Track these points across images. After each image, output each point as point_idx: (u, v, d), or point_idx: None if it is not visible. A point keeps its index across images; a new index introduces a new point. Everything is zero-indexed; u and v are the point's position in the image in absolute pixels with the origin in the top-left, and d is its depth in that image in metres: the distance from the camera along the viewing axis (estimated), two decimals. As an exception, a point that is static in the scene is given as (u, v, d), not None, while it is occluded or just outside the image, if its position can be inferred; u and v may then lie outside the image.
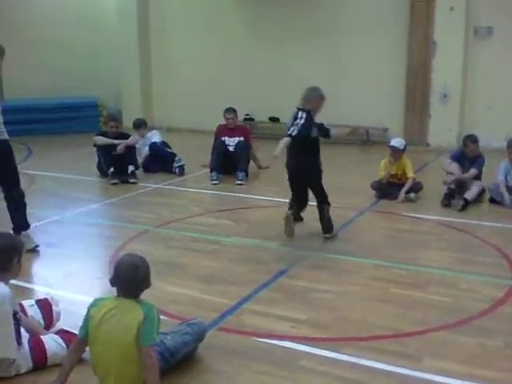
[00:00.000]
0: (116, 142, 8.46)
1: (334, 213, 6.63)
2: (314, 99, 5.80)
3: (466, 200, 6.92)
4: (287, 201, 7.13)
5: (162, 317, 3.71)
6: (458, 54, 10.81)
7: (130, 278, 3.09)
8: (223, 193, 7.87)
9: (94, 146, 8.64)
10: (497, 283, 4.71)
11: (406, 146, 7.52)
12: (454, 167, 7.28)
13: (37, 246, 5.48)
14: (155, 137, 9.26)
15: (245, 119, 12.56)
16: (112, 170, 8.30)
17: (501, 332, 3.86)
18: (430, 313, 4.18)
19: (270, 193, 7.74)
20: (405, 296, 4.47)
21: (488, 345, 3.70)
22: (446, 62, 10.83)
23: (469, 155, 7.31)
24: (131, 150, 8.57)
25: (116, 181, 8.22)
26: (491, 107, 10.78)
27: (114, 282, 3.14)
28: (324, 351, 3.62)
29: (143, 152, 9.07)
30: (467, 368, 3.43)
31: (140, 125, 9.30)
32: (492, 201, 7.16)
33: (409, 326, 3.97)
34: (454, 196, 7.07)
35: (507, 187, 7.02)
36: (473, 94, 10.96)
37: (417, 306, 4.29)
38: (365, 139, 11.76)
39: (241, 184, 8.21)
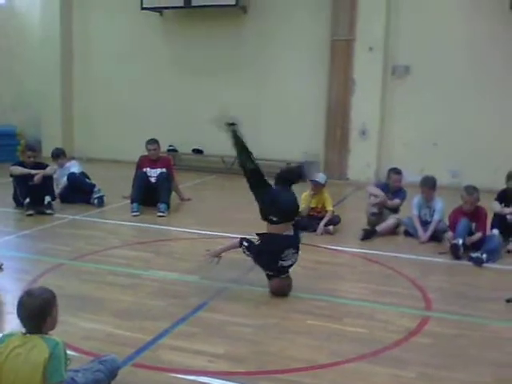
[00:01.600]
0: (33, 172, 8.20)
1: (254, 245, 6.67)
2: None
3: (374, 231, 7.22)
4: (207, 233, 7.14)
5: (74, 353, 3.62)
6: (376, 91, 11.24)
7: (26, 309, 3.01)
8: (144, 224, 7.76)
9: (11, 176, 8.33)
10: (411, 314, 4.83)
11: (326, 181, 7.69)
12: (379, 190, 7.54)
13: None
14: (74, 167, 9.05)
15: (168, 150, 12.53)
16: (28, 200, 8.03)
17: (414, 362, 3.95)
18: (346, 344, 4.23)
19: (191, 225, 7.69)
20: (322, 328, 4.51)
21: (401, 375, 3.77)
22: (365, 99, 11.24)
23: (392, 188, 7.59)
24: (48, 180, 8.32)
25: (31, 212, 7.95)
26: (407, 144, 11.24)
27: (18, 316, 3.03)
28: (242, 385, 3.59)
29: (61, 182, 8.85)
30: (381, 399, 3.49)
31: (58, 154, 9.08)
32: (406, 233, 7.40)
33: (324, 357, 4.00)
34: (373, 230, 7.30)
35: (420, 221, 7.27)
36: (390, 130, 11.40)
37: (333, 338, 4.33)
38: (287, 172, 11.91)
39: (162, 216, 8.12)
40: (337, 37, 11.37)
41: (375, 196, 7.55)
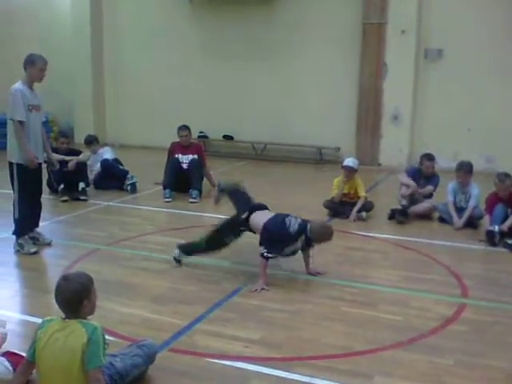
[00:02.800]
0: (67, 158, 8.30)
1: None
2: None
3: (405, 213, 7.22)
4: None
5: (111, 338, 3.66)
6: (408, 75, 11.08)
7: (62, 293, 3.04)
8: (176, 211, 7.80)
9: (45, 162, 8.43)
10: (447, 301, 4.78)
11: (358, 166, 7.63)
12: (410, 180, 7.43)
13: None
14: (107, 153, 9.14)
15: (199, 137, 12.55)
16: (62, 186, 8.14)
17: (451, 350, 3.92)
18: (381, 331, 4.21)
19: (223, 211, 7.68)
20: (356, 314, 4.50)
21: (438, 363, 3.74)
22: (397, 83, 11.09)
23: (424, 173, 7.48)
24: (82, 166, 8.43)
25: (66, 198, 8.06)
26: (440, 128, 11.07)
27: (56, 302, 3.08)
28: (276, 371, 3.60)
29: (94, 169, 8.94)
30: (418, 386, 3.47)
31: (92, 141, 9.17)
32: (441, 220, 7.32)
33: (360, 344, 3.99)
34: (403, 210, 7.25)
35: (456, 207, 7.18)
36: (423, 115, 11.24)
37: (368, 325, 4.31)
38: (318, 158, 11.89)
39: (194, 202, 8.16)
40: (368, 20, 11.22)
41: (407, 186, 7.43)
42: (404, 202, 7.37)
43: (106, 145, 10.25)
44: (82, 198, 8.14)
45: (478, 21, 10.60)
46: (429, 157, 7.59)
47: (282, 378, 3.53)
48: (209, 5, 12.70)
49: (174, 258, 5.50)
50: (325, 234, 5.05)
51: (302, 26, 11.91)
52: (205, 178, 8.94)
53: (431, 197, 7.52)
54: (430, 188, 7.46)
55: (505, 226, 6.40)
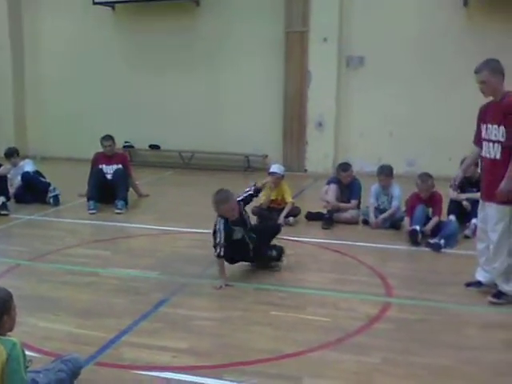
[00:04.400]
0: (-15, 172, 7.98)
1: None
2: (222, 205, 5.35)
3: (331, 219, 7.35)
4: (166, 228, 7.11)
5: (35, 354, 3.56)
6: (331, 83, 11.30)
7: None
8: (101, 222, 7.63)
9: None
10: (372, 301, 4.87)
11: (284, 172, 7.70)
12: (330, 195, 7.53)
13: None
14: (28, 166, 8.85)
15: (124, 146, 12.37)
16: (-19, 201, 7.81)
17: (378, 348, 3.99)
18: (309, 333, 4.24)
19: (149, 221, 7.62)
20: (285, 318, 4.52)
21: (366, 362, 3.80)
22: (321, 90, 11.29)
23: (344, 182, 7.62)
24: (2, 180, 8.09)
25: (-15, 213, 7.74)
26: (363, 134, 11.35)
27: None
28: (207, 379, 3.56)
29: (15, 182, 8.65)
30: (346, 385, 3.51)
31: (12, 154, 8.87)
32: (365, 222, 7.48)
33: (289, 347, 4.00)
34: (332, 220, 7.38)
35: (378, 209, 7.36)
36: (346, 121, 11.49)
37: (296, 328, 4.34)
38: (245, 166, 11.94)
39: (120, 213, 8.01)
40: (291, 28, 11.39)
41: (326, 202, 7.57)
42: (327, 215, 7.46)
43: (26, 157, 9.92)
44: (2, 212, 7.82)
45: (398, 28, 10.93)
46: (344, 168, 7.68)
47: (213, 385, 3.50)
48: (132, 13, 12.57)
49: None
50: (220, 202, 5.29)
51: (225, 33, 11.95)
52: (131, 189, 8.80)
53: (358, 207, 7.66)
54: (353, 203, 7.58)
55: (428, 229, 6.60)
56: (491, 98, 4.85)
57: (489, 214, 4.80)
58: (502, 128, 4.62)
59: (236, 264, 5.52)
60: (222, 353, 3.92)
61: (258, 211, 7.53)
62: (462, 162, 7.07)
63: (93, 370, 3.63)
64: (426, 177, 6.81)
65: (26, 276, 5.50)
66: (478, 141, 4.96)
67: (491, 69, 4.70)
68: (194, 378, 3.58)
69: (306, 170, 11.62)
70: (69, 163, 12.54)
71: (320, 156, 11.45)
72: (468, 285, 5.14)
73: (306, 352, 3.94)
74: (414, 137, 11.06)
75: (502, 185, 4.57)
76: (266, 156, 11.89)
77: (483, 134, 4.84)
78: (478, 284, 5.08)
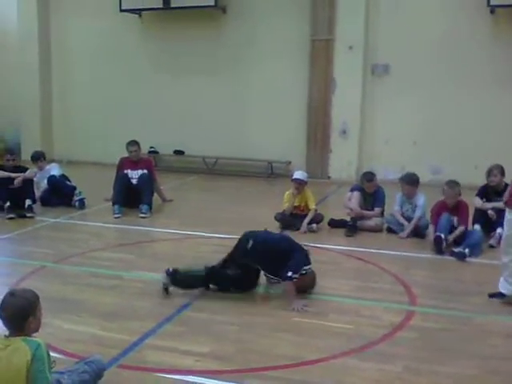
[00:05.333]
0: (13, 175, 8.11)
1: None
2: None
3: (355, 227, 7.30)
4: (190, 233, 7.15)
5: (59, 356, 3.60)
6: (356, 90, 11.28)
7: (8, 309, 2.98)
8: (126, 226, 7.70)
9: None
10: (395, 309, 4.85)
11: (307, 179, 7.71)
12: (353, 203, 7.50)
13: None
14: (54, 170, 8.98)
15: (149, 152, 12.47)
16: (8, 204, 7.92)
17: (400, 357, 3.97)
18: (332, 340, 4.23)
19: (173, 226, 7.67)
20: (307, 324, 4.52)
21: (388, 370, 3.78)
22: (345, 98, 11.28)
23: (368, 191, 7.59)
24: (29, 183, 8.24)
25: (12, 215, 7.85)
26: (387, 142, 11.30)
27: (0, 318, 3.02)
28: (229, 383, 3.57)
29: (41, 185, 8.77)
30: (368, 393, 3.49)
31: (38, 157, 9.00)
32: (389, 230, 7.44)
33: (311, 354, 4.00)
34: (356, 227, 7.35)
35: (403, 217, 7.31)
36: (370, 129, 11.45)
37: (319, 334, 4.33)
38: (269, 172, 11.96)
39: (144, 217, 8.07)
40: (316, 36, 11.39)
41: (350, 209, 7.54)
42: (350, 223, 7.44)
43: (53, 161, 10.05)
44: (28, 215, 7.95)
45: (423, 37, 10.88)
46: (368, 178, 7.63)
47: (234, 390, 3.51)
48: (158, 21, 12.69)
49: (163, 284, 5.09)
50: None
51: (251, 40, 12.01)
52: (155, 194, 8.87)
53: (382, 214, 7.62)
54: (376, 211, 7.55)
55: (452, 237, 6.54)
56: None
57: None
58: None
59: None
60: (244, 358, 3.93)
61: (281, 217, 7.55)
62: (487, 172, 7.06)
63: (116, 373, 3.67)
64: (453, 183, 6.77)
65: (51, 278, 5.56)
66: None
67: None
68: (217, 382, 3.60)
69: (329, 177, 11.60)
70: (94, 167, 12.68)
71: (344, 163, 11.42)
72: (491, 296, 5.08)
73: (328, 359, 3.93)
74: (438, 145, 10.98)
75: None
76: (290, 162, 11.89)
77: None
78: (501, 295, 5.02)
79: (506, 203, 4.88)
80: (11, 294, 3.05)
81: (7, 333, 3.03)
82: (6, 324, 3.02)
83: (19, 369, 2.86)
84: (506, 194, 4.93)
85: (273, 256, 5.02)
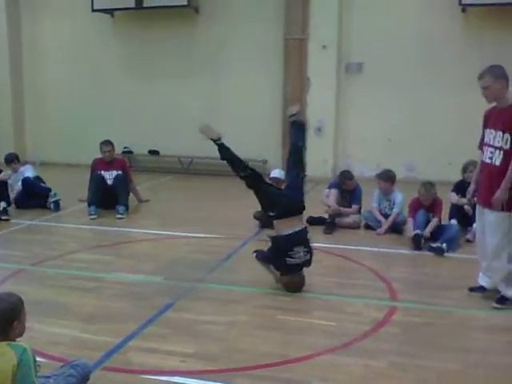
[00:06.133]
0: (-14, 177, 7.97)
1: (218, 243, 6.69)
2: None
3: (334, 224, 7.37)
4: (168, 233, 7.08)
5: (42, 359, 3.54)
6: (330, 89, 11.34)
7: None
8: (102, 227, 7.62)
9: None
10: (377, 305, 4.88)
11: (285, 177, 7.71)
12: (331, 200, 7.55)
13: None
14: (28, 171, 8.85)
15: (123, 152, 12.36)
16: (-18, 207, 7.79)
17: (384, 352, 3.99)
18: (316, 337, 4.24)
19: (151, 226, 7.62)
20: (291, 322, 4.52)
21: (373, 366, 3.80)
22: (320, 97, 11.32)
23: (346, 188, 7.64)
24: (3, 185, 8.08)
25: (-14, 218, 7.72)
26: (363, 139, 11.39)
27: None
28: (215, 384, 3.56)
29: (16, 187, 8.64)
30: (355, 389, 3.51)
31: (12, 159, 8.87)
32: (367, 227, 7.49)
33: (297, 351, 4.00)
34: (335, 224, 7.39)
35: (381, 214, 7.37)
36: (345, 127, 11.52)
37: (303, 332, 4.34)
38: (245, 171, 11.92)
39: (121, 218, 8.00)
40: (290, 35, 11.42)
41: (328, 206, 7.59)
42: (328, 220, 7.49)
43: (26, 163, 9.90)
44: (3, 217, 7.81)
45: (396, 35, 10.99)
46: (349, 176, 7.72)
47: (221, 390, 3.50)
48: (130, 20, 12.59)
49: None
50: None
51: (224, 40, 11.99)
52: (131, 194, 8.80)
53: (359, 212, 7.67)
54: (354, 208, 7.62)
55: (427, 232, 6.62)
56: (494, 104, 4.83)
57: (486, 220, 4.80)
58: (506, 135, 4.60)
59: (241, 268, 5.52)
60: (230, 357, 3.91)
61: (259, 216, 7.53)
62: (463, 168, 7.15)
63: (101, 375, 3.62)
64: (429, 186, 6.82)
65: (30, 281, 5.47)
66: (482, 146, 4.95)
67: (494, 74, 4.69)
68: (203, 382, 3.57)
69: (305, 175, 11.59)
70: (67, 168, 12.52)
71: (319, 161, 11.44)
72: (471, 290, 5.14)
73: (313, 356, 3.94)
74: (412, 142, 11.10)
75: (497, 194, 4.57)
76: (266, 161, 11.90)
77: (485, 139, 4.84)
78: (482, 289, 5.08)
79: (480, 202, 4.92)
80: None
81: (-10, 338, 2.97)
82: None
83: (5, 374, 2.81)
84: (472, 192, 5.06)
85: None
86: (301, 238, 5.08)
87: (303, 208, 5.31)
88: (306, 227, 5.23)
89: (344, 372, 3.72)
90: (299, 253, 4.99)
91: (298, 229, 5.07)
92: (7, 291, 3.14)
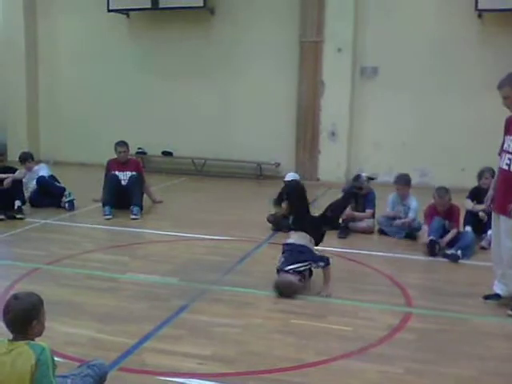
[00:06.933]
0: (2, 176, 8.01)
1: (232, 245, 6.70)
2: None
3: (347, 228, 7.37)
4: (182, 235, 7.10)
5: (59, 359, 3.53)
6: (345, 92, 11.32)
7: (12, 313, 2.94)
8: (117, 228, 7.65)
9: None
10: (393, 310, 4.88)
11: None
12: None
13: None
14: (43, 170, 8.91)
15: (137, 153, 12.40)
16: (-3, 205, 7.84)
17: (400, 358, 3.98)
18: (331, 342, 4.24)
19: (165, 227, 7.64)
20: (306, 326, 4.52)
21: (389, 371, 3.80)
22: (334, 100, 11.31)
23: (360, 192, 7.62)
24: (18, 184, 8.13)
25: (2, 217, 7.76)
26: (376, 144, 11.37)
27: (3, 321, 2.98)
28: (233, 386, 3.57)
29: (30, 186, 8.68)
30: (371, 395, 3.51)
31: (26, 158, 8.90)
32: (381, 232, 7.47)
33: (311, 356, 4.00)
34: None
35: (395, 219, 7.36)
36: (359, 131, 11.50)
37: (318, 336, 4.34)
38: (258, 174, 11.96)
39: (136, 218, 8.03)
40: (305, 38, 11.42)
41: None
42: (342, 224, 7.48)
43: (40, 162, 9.96)
44: (18, 216, 7.85)
45: (411, 39, 10.98)
46: (361, 182, 7.61)
47: (238, 392, 3.51)
48: (146, 20, 12.64)
49: None
50: None
51: (239, 42, 12.00)
52: (145, 195, 8.83)
53: (373, 216, 7.66)
54: (368, 213, 7.60)
55: (444, 241, 6.59)
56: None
57: (502, 227, 4.78)
58: (524, 142, 4.59)
59: (255, 271, 5.54)
60: (246, 360, 3.92)
61: (273, 219, 7.55)
62: (478, 174, 7.13)
63: (117, 376, 3.63)
64: (443, 192, 6.77)
65: (45, 280, 5.50)
66: (502, 152, 4.92)
67: None
68: (220, 384, 3.59)
69: (318, 179, 11.61)
70: (81, 168, 12.59)
71: (333, 165, 11.45)
72: (486, 297, 5.12)
73: (328, 361, 3.94)
74: (426, 147, 11.07)
75: None
76: (279, 164, 11.91)
77: (505, 146, 4.82)
78: (497, 296, 5.06)
79: (496, 209, 4.90)
80: (15, 298, 3.02)
81: (11, 337, 3.00)
82: (10, 328, 2.98)
83: (23, 373, 2.82)
84: (490, 199, 5.00)
85: None
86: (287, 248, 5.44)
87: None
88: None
89: (359, 377, 3.72)
90: (282, 258, 5.36)
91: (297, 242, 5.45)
92: (27, 291, 3.16)
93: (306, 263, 5.23)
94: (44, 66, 13.61)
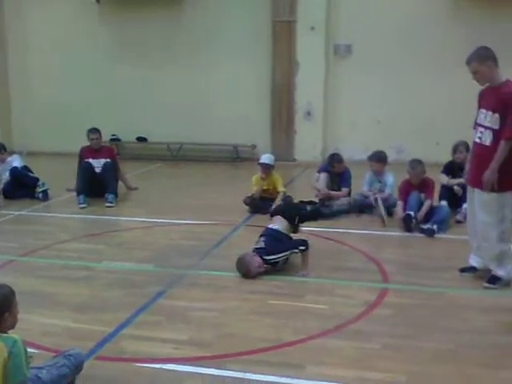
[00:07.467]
0: (-26, 168, 7.90)
1: (208, 229, 6.67)
2: None
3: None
4: (158, 221, 7.04)
5: (34, 350, 3.51)
6: (319, 72, 11.28)
7: None
8: (92, 216, 7.58)
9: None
10: (369, 287, 4.89)
11: (274, 162, 7.70)
12: (321, 184, 7.56)
13: None
14: (16, 161, 8.77)
15: (111, 140, 12.26)
16: (-31, 198, 7.72)
17: (377, 334, 4.00)
18: (309, 321, 4.24)
19: (140, 214, 7.58)
20: (284, 306, 4.52)
21: (366, 347, 3.81)
22: (309, 80, 11.26)
23: (336, 171, 7.63)
24: (-10, 176, 8.03)
25: (-26, 209, 7.66)
26: (352, 122, 11.37)
27: None
28: (209, 369, 3.54)
29: (3, 178, 8.56)
30: (348, 371, 3.50)
31: (-1, 149, 8.77)
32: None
33: (290, 335, 4.00)
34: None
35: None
36: (334, 110, 11.48)
37: (296, 316, 4.34)
38: (234, 156, 11.91)
39: (111, 206, 7.94)
40: (278, 18, 11.33)
41: (318, 190, 7.59)
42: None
43: (13, 153, 9.81)
44: (-9, 208, 7.76)
45: (385, 16, 10.94)
46: (338, 159, 7.72)
47: (215, 375, 3.48)
48: (116, 5, 12.41)
49: None
50: None
51: (212, 25, 11.86)
52: (119, 182, 8.73)
53: (349, 194, 7.67)
54: (345, 190, 7.61)
55: (420, 215, 6.61)
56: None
57: (476, 200, 4.81)
58: (496, 115, 4.59)
59: (232, 254, 5.51)
60: (223, 343, 3.91)
61: (250, 201, 7.52)
62: (453, 149, 7.16)
63: (94, 365, 3.60)
64: (416, 164, 6.82)
65: (20, 272, 5.43)
66: (475, 125, 4.92)
67: (480, 58, 4.65)
68: (197, 368, 3.57)
69: (295, 159, 11.60)
70: (55, 158, 12.41)
71: (309, 145, 11.44)
72: (462, 270, 5.15)
73: (307, 340, 3.94)
74: (401, 124, 11.10)
75: (486, 175, 4.57)
76: (255, 146, 11.87)
77: (478, 119, 4.82)
78: (473, 269, 5.10)
79: (471, 182, 4.92)
80: None
81: (-18, 330, 2.94)
82: None
83: (-5, 366, 2.78)
84: (469, 172, 5.01)
85: None
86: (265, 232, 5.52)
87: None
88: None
89: (338, 355, 3.73)
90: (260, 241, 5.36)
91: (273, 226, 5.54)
92: (-1, 283, 3.10)
93: (288, 252, 5.20)
94: (14, 54, 13.32)
